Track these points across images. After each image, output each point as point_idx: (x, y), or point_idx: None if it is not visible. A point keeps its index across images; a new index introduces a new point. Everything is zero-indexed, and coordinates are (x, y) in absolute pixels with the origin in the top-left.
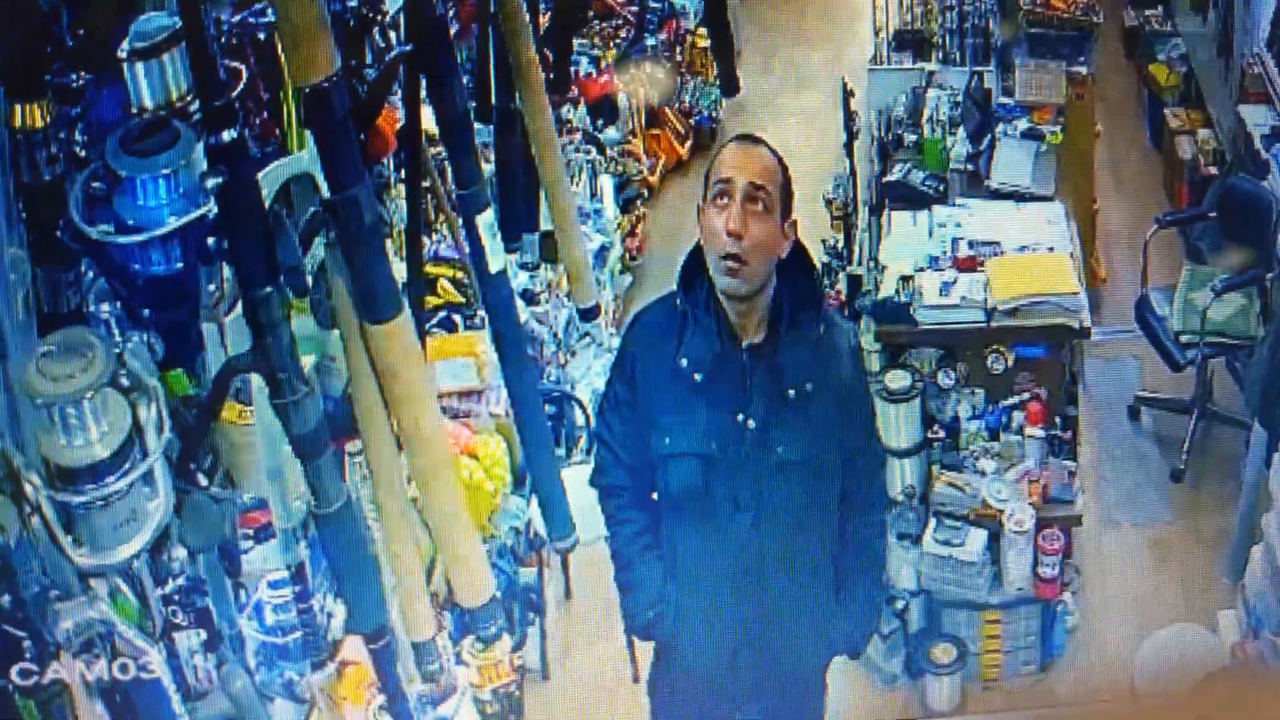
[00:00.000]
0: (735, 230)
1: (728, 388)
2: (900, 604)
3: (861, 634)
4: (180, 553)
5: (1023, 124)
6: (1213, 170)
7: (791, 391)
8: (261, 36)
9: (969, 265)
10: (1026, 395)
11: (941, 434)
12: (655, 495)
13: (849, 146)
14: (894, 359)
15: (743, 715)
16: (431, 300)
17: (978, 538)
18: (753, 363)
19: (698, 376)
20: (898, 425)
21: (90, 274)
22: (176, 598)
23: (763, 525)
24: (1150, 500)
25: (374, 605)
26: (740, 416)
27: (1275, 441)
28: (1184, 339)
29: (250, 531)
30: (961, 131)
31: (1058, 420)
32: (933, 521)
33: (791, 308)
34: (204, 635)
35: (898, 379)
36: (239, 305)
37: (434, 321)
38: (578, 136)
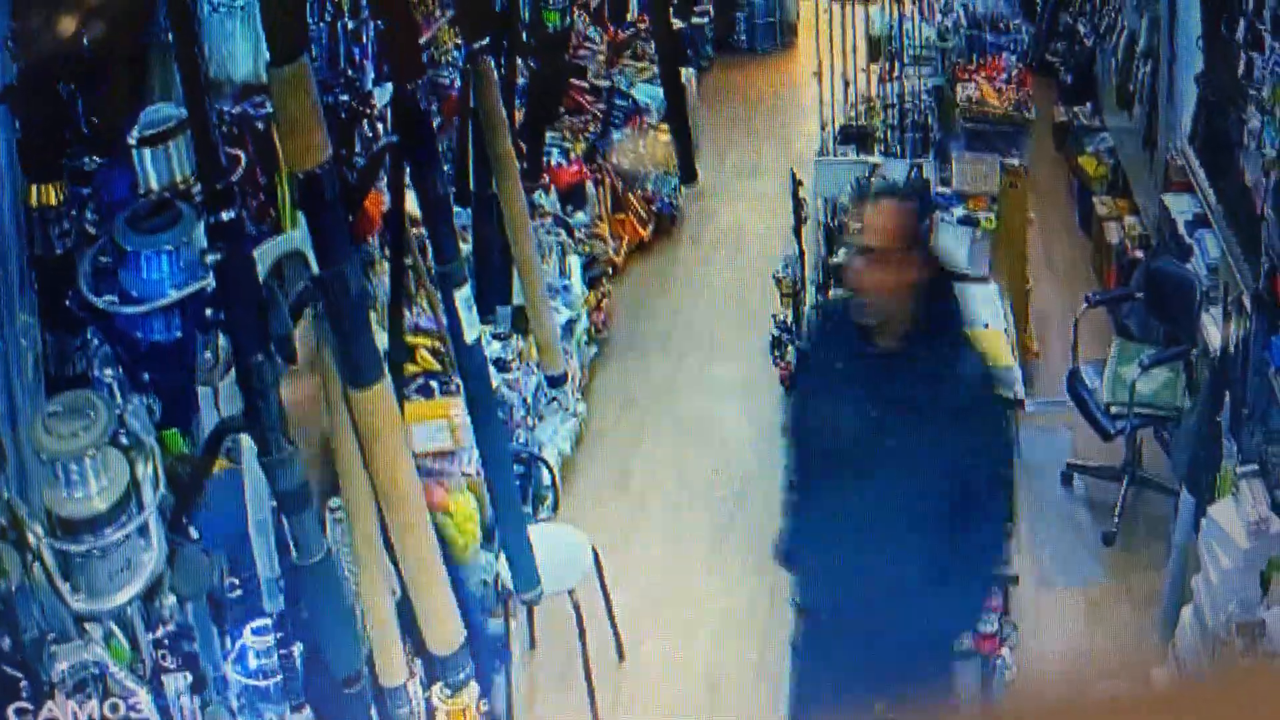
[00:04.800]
0: (854, 284)
1: (860, 378)
2: None
3: (952, 627)
4: (171, 600)
5: (959, 211)
6: (1139, 254)
7: (905, 396)
8: (260, 126)
9: None
10: None
11: None
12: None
13: (797, 231)
14: None
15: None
16: (411, 368)
17: None
18: (880, 364)
19: (839, 365)
20: None
21: (96, 341)
22: (166, 642)
23: (879, 498)
24: (1083, 561)
25: (349, 651)
26: (866, 405)
27: (1202, 506)
28: (1113, 410)
29: (237, 580)
30: None
31: None
32: None
33: (923, 329)
34: (190, 678)
35: None
36: (232, 371)
37: (413, 388)
38: (549, 219)
